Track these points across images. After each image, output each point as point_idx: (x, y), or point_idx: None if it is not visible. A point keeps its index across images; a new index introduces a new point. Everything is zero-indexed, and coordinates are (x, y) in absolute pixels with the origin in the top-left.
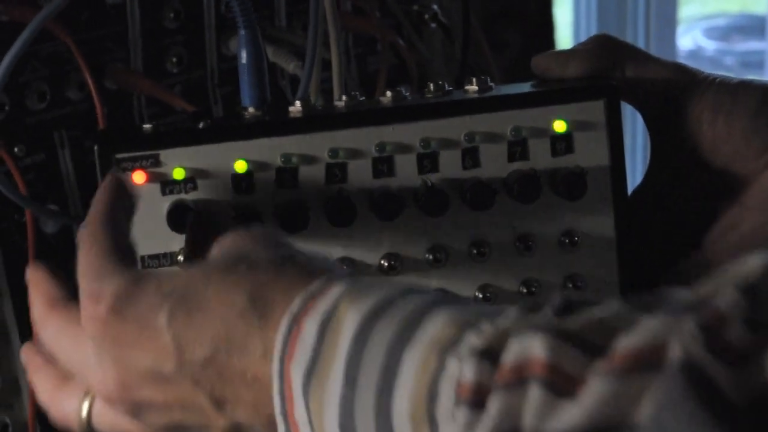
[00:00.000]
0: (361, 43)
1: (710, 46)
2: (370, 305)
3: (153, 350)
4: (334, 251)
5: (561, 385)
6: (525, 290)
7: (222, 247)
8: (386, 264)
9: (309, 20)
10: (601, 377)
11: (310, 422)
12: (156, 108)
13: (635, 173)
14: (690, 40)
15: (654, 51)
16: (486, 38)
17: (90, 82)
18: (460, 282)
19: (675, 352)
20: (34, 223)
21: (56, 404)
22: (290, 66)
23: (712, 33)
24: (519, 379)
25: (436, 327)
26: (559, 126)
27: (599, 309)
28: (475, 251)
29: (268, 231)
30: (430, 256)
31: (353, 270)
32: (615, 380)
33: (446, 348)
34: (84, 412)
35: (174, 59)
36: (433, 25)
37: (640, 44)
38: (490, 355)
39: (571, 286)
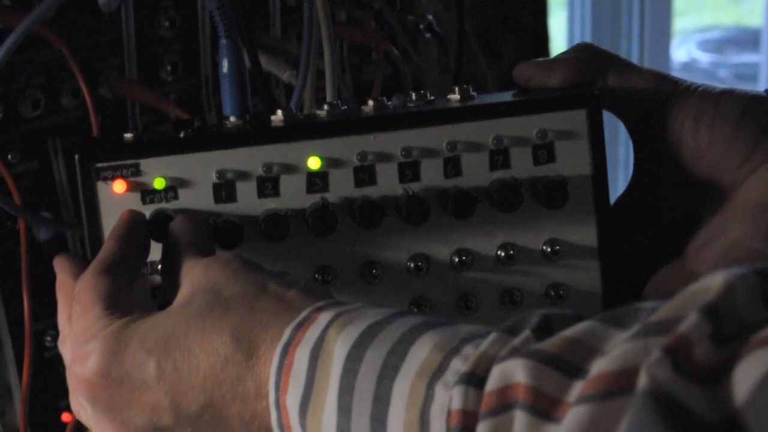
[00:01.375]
0: (356, 53)
1: (704, 58)
2: (358, 333)
3: (148, 407)
4: (316, 260)
5: (544, 408)
6: (507, 299)
7: (192, 282)
8: (367, 273)
9: (303, 29)
10: (582, 401)
11: None
12: (150, 116)
13: (617, 182)
14: (684, 53)
15: (648, 63)
16: (481, 48)
17: (84, 89)
18: (441, 291)
19: (642, 378)
20: (27, 231)
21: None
22: (285, 75)
23: (707, 45)
24: (504, 404)
25: (422, 354)
26: (541, 135)
27: (574, 327)
28: (456, 260)
29: (235, 258)
30: (412, 265)
31: (331, 280)
32: (594, 404)
33: (433, 376)
34: None
35: (168, 67)
36: (428, 34)
37: (634, 56)
38: (475, 381)
39: (553, 294)
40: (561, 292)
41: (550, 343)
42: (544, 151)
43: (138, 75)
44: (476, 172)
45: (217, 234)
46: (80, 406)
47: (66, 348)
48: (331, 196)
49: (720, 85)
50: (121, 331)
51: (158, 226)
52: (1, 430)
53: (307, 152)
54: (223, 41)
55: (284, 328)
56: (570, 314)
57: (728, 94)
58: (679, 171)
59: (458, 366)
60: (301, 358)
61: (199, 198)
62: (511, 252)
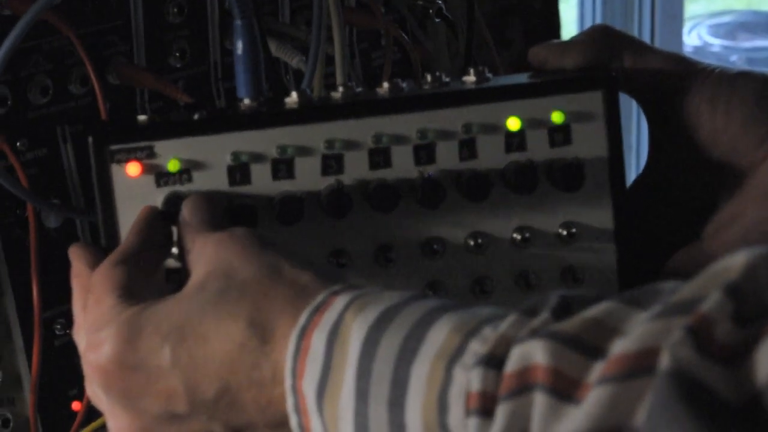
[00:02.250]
0: (366, 38)
1: (716, 43)
2: (375, 316)
3: (163, 394)
4: (330, 242)
5: (564, 389)
6: (523, 282)
7: (206, 263)
8: (381, 256)
9: (313, 15)
10: (602, 382)
11: None
12: (159, 103)
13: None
14: (696, 38)
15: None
16: (491, 34)
17: (93, 76)
18: (457, 274)
19: (664, 358)
20: (36, 218)
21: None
22: (294, 60)
23: (718, 30)
24: (524, 386)
25: (440, 337)
26: (557, 117)
27: (595, 308)
28: (471, 243)
29: (249, 234)
30: (427, 248)
31: (346, 263)
32: (615, 385)
33: (452, 358)
34: None
35: (177, 54)
36: (438, 20)
37: (646, 41)
38: (494, 362)
39: (569, 277)
40: (577, 275)
41: (569, 324)
42: (560, 134)
43: (146, 61)
44: (492, 155)
45: (231, 216)
46: (95, 395)
47: (80, 337)
48: (346, 179)
49: (734, 68)
50: (135, 318)
51: (173, 208)
52: (10, 419)
53: (322, 134)
54: (238, 22)
55: (300, 312)
56: (589, 295)
57: (745, 76)
58: (695, 153)
59: (477, 348)
60: (317, 342)
61: (213, 180)
62: (527, 235)
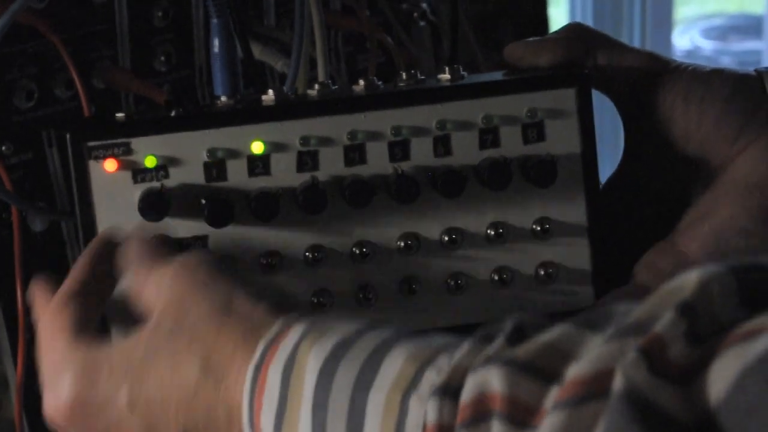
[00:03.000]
0: (351, 42)
1: (707, 45)
2: (330, 347)
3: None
4: (306, 239)
5: (520, 416)
6: (497, 278)
7: (161, 296)
8: (357, 251)
9: (295, 18)
10: (557, 407)
11: None
12: (144, 106)
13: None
14: (687, 40)
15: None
16: (480, 37)
17: (77, 80)
18: (431, 270)
19: (618, 380)
20: (21, 221)
21: None
22: (278, 64)
23: (710, 33)
24: (480, 415)
25: (395, 367)
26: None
27: (549, 332)
28: (446, 239)
29: (203, 262)
30: (402, 244)
31: (321, 259)
32: (570, 409)
33: (407, 389)
34: None
35: (162, 57)
36: (422, 23)
37: (636, 44)
38: (450, 392)
39: (543, 273)
40: (550, 270)
41: (524, 350)
42: (533, 130)
43: (131, 65)
44: (466, 151)
45: (208, 212)
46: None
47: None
48: (322, 175)
49: (708, 65)
50: (90, 359)
51: (149, 205)
52: None
53: (298, 131)
54: (214, 20)
55: (255, 346)
56: (544, 319)
57: (718, 74)
58: (668, 150)
59: (432, 377)
60: (273, 376)
61: (189, 176)
62: (501, 230)
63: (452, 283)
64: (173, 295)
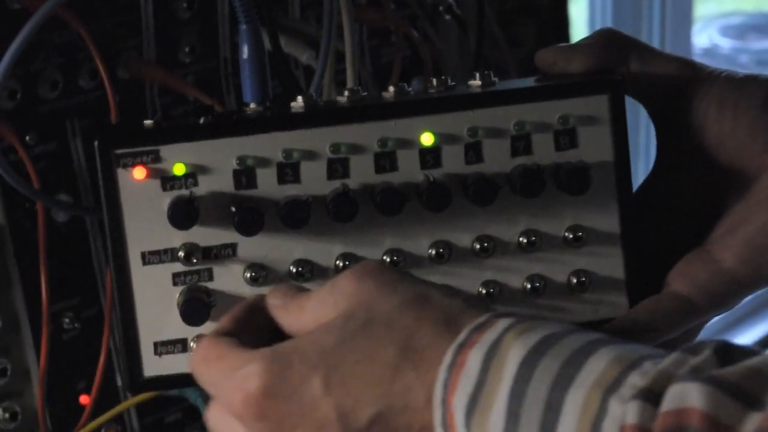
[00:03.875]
0: (376, 35)
1: (726, 44)
2: (535, 340)
3: (314, 424)
4: (336, 247)
5: None
6: (530, 286)
7: (347, 295)
8: (388, 260)
9: (323, 11)
10: None
11: None
12: (168, 98)
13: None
14: (706, 39)
15: (669, 49)
16: (501, 33)
17: (102, 71)
18: (463, 278)
19: None
20: (45, 212)
21: None
22: (304, 56)
23: (728, 31)
24: (678, 426)
25: (599, 366)
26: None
27: (757, 358)
28: (478, 247)
29: (386, 266)
30: (433, 252)
31: (352, 266)
32: None
33: (609, 389)
34: None
35: (187, 49)
36: (448, 17)
37: (655, 42)
38: (651, 397)
39: (575, 282)
40: (583, 279)
41: (730, 371)
42: (566, 137)
43: (156, 56)
44: (497, 159)
45: (237, 220)
46: None
47: (214, 403)
48: (352, 183)
49: (742, 71)
50: (278, 351)
51: (178, 213)
52: (18, 412)
53: (328, 138)
54: (243, 27)
55: (458, 332)
56: (748, 347)
57: (752, 80)
58: (702, 158)
59: (636, 381)
60: (474, 359)
61: (218, 184)
62: (534, 239)
63: (484, 291)
64: (361, 294)
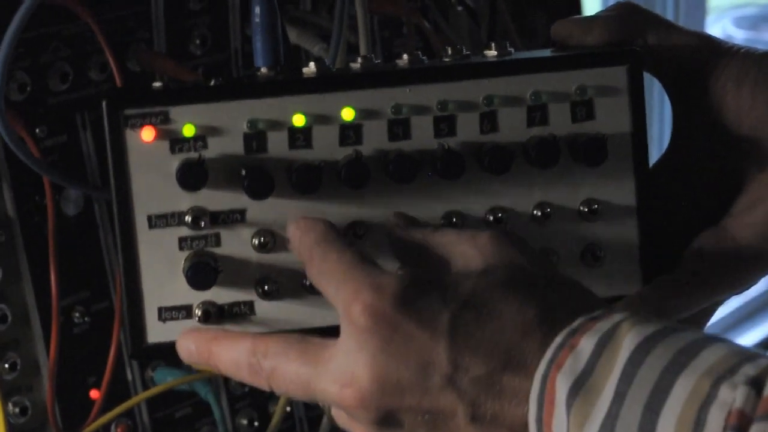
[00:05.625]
0: (387, 27)
1: (739, 35)
2: (651, 330)
3: (422, 358)
4: (348, 214)
5: None
6: None
7: (485, 254)
8: None
9: (335, 2)
10: None
11: None
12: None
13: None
14: (720, 30)
15: None
16: (514, 24)
17: (112, 63)
18: None
19: None
20: (54, 204)
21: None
22: (315, 48)
23: (742, 22)
24: None
25: (715, 356)
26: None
27: None
28: (491, 217)
29: (520, 237)
30: (445, 221)
31: (363, 234)
32: None
33: (721, 376)
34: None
35: (198, 41)
36: (460, 8)
37: None
38: (757, 384)
39: (590, 255)
40: (598, 252)
41: None
42: (583, 108)
43: (166, 48)
44: (513, 128)
45: (247, 184)
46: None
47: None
48: (365, 149)
49: (762, 48)
50: (417, 276)
51: (187, 175)
52: (28, 406)
53: (341, 104)
54: None
55: (573, 318)
56: None
57: None
58: (719, 134)
59: (748, 370)
60: (586, 343)
61: (228, 147)
62: (548, 210)
63: None
64: (503, 252)
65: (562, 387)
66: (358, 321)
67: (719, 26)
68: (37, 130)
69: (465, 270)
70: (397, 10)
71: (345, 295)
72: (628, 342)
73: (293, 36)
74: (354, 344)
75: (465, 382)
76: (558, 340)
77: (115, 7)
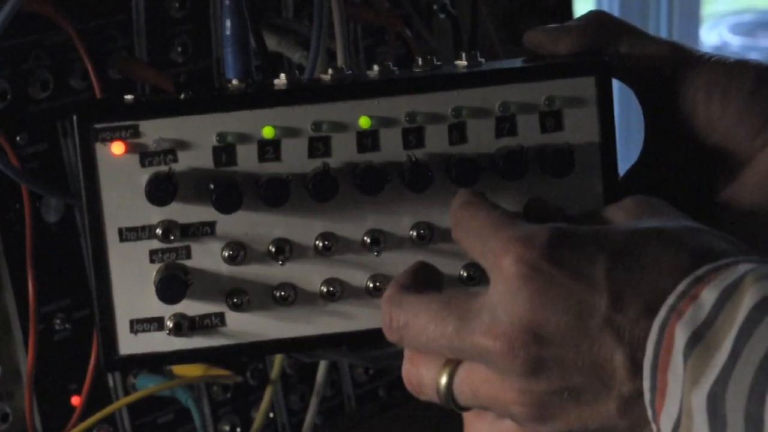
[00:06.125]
0: (370, 34)
1: (736, 42)
2: None
3: (581, 300)
4: (316, 226)
5: None
6: None
7: (629, 210)
8: (369, 240)
9: (314, 10)
10: None
11: (682, 385)
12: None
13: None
14: (716, 36)
15: None
16: (505, 33)
17: (92, 71)
18: (445, 259)
19: None
20: (33, 212)
21: (411, 375)
22: (296, 56)
23: (738, 29)
24: None
25: None
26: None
27: None
28: None
29: (659, 199)
30: (414, 233)
31: (332, 247)
32: None
33: None
34: (443, 381)
35: (179, 48)
36: (442, 15)
37: None
38: None
39: None
40: None
41: None
42: (551, 119)
43: (148, 56)
44: (482, 140)
45: (216, 198)
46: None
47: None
48: (334, 161)
49: (732, 56)
50: (564, 228)
51: (157, 189)
52: (9, 413)
53: (310, 116)
54: (226, 1)
55: (698, 266)
56: None
57: (742, 65)
58: (690, 143)
59: None
60: (708, 295)
61: (198, 161)
62: None
63: (465, 274)
64: (650, 207)
65: (680, 336)
66: (509, 270)
67: (716, 33)
68: (18, 138)
69: (616, 224)
70: (379, 19)
71: (495, 248)
72: (748, 299)
73: (274, 43)
74: (507, 294)
75: (626, 327)
76: (680, 288)
77: (96, 15)
